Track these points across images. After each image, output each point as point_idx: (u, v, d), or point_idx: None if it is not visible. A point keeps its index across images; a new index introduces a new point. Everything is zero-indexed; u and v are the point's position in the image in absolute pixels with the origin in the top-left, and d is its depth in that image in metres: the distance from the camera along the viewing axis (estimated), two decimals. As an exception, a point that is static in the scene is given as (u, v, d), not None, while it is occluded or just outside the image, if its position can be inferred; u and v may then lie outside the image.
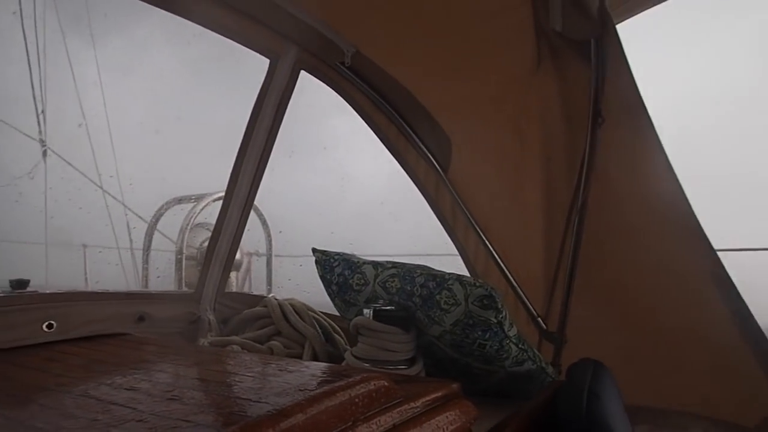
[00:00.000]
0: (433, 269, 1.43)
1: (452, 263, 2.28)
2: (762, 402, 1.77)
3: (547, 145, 1.93)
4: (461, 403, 0.83)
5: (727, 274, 1.70)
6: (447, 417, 0.76)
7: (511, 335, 1.33)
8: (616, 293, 1.97)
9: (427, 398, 0.76)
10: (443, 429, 0.74)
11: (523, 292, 2.09)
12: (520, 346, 1.37)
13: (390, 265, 1.47)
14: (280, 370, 0.92)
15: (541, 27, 1.69)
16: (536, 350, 1.51)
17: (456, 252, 2.30)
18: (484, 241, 2.16)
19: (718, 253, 1.74)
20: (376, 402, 0.67)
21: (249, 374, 0.90)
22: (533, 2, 1.63)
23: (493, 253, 2.15)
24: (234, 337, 1.66)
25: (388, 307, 1.39)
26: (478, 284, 1.29)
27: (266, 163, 1.91)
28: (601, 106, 1.74)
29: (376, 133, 2.18)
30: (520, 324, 2.07)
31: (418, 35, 1.84)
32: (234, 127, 1.92)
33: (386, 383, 0.71)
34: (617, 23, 1.61)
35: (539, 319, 2.06)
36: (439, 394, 0.80)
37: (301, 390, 0.69)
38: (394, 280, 1.42)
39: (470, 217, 2.17)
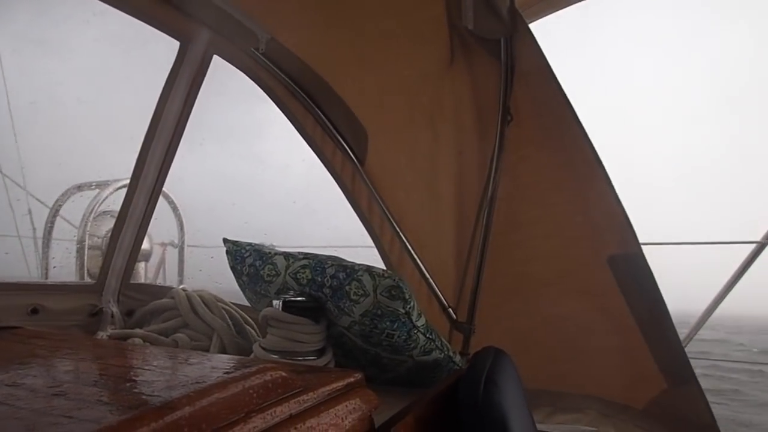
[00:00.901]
0: (345, 260, 1.43)
1: (368, 254, 2.30)
2: (651, 384, 1.91)
3: (459, 140, 1.98)
4: (363, 392, 0.84)
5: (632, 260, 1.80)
6: (347, 406, 0.77)
7: (419, 325, 1.36)
8: (521, 283, 2.06)
9: (327, 388, 0.77)
10: (342, 417, 0.75)
11: (435, 283, 2.15)
12: (427, 335, 1.41)
13: (302, 256, 1.47)
14: (180, 363, 0.89)
15: (454, 24, 1.73)
16: (444, 339, 1.55)
17: (372, 243, 2.32)
18: (398, 233, 2.20)
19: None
20: (272, 393, 0.66)
21: (147, 368, 0.86)
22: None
23: (407, 244, 2.19)
24: (136, 330, 1.59)
25: (298, 298, 1.38)
26: (386, 275, 1.31)
27: (175, 150, 1.84)
28: (510, 104, 1.81)
29: (292, 123, 2.16)
30: (432, 314, 2.13)
31: (335, 26, 1.83)
32: (142, 112, 1.84)
33: (284, 374, 0.70)
34: (531, 22, 1.68)
35: (450, 309, 2.12)
36: (341, 383, 0.80)
37: (197, 383, 0.68)
38: (305, 271, 1.41)
39: (385, 209, 2.20)
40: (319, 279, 1.38)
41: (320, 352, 1.36)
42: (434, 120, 2.00)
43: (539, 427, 2.15)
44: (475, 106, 1.90)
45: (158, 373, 0.82)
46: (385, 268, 2.19)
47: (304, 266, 1.43)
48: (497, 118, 1.84)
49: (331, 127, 2.16)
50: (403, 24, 1.76)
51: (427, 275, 2.14)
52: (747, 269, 2.42)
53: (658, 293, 1.77)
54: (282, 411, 0.65)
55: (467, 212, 2.01)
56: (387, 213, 2.19)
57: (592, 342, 1.99)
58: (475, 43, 1.76)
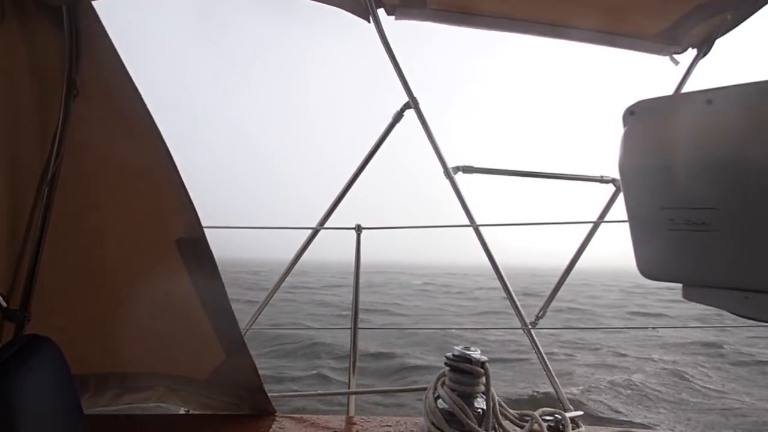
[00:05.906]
0: None
1: None
2: (212, 356, 2.09)
3: (14, 109, 1.77)
4: None
5: (206, 242, 1.90)
6: None
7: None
8: (90, 266, 1.99)
9: None
10: None
11: None
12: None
13: None
14: None
15: None
16: None
17: None
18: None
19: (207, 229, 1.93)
20: None
21: None
22: None
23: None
24: None
25: None
26: None
27: None
28: (76, 77, 1.71)
29: None
30: (-22, 303, 1.86)
31: None
32: None
33: None
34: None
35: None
36: None
37: None
38: None
39: None
40: None
41: None
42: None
43: (105, 410, 2.13)
44: (35, 75, 1.72)
45: None
46: None
47: None
48: (62, 91, 1.73)
49: None
50: None
51: (-30, 259, 1.86)
52: (305, 250, 2.84)
53: (218, 274, 1.94)
54: None
55: (24, 190, 1.82)
56: None
57: (161, 322, 2.06)
58: (33, 5, 1.60)
